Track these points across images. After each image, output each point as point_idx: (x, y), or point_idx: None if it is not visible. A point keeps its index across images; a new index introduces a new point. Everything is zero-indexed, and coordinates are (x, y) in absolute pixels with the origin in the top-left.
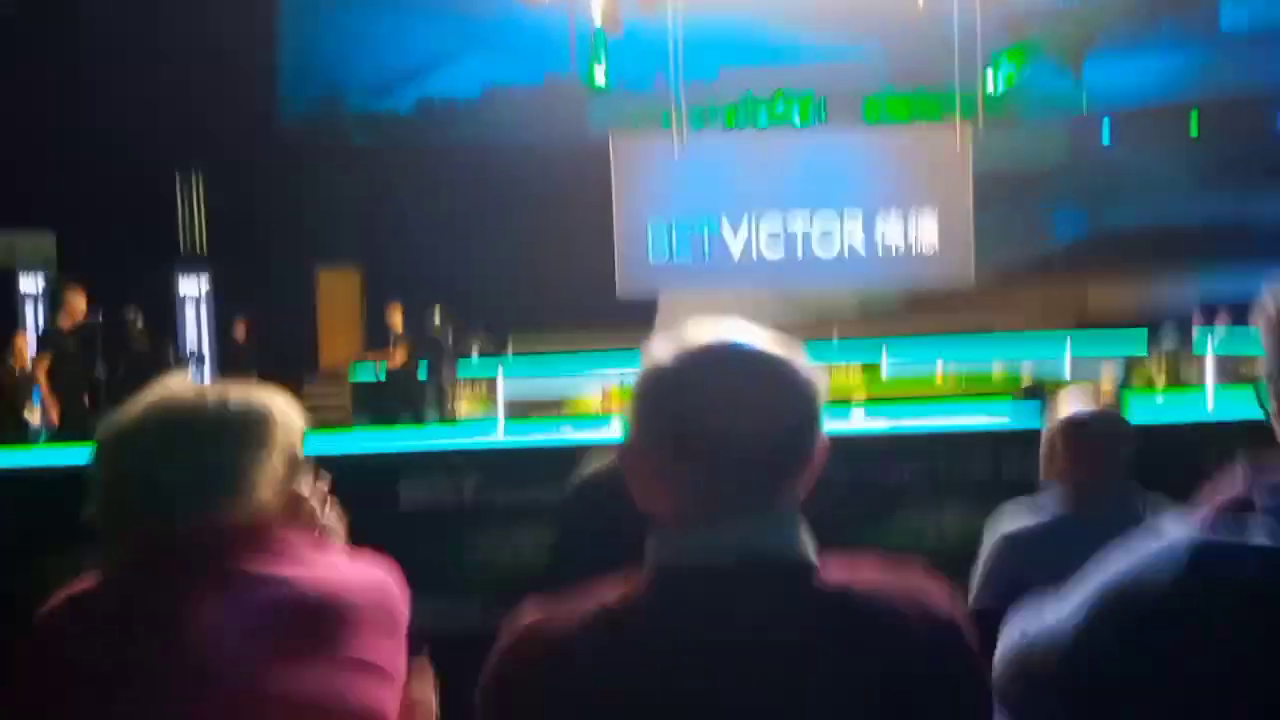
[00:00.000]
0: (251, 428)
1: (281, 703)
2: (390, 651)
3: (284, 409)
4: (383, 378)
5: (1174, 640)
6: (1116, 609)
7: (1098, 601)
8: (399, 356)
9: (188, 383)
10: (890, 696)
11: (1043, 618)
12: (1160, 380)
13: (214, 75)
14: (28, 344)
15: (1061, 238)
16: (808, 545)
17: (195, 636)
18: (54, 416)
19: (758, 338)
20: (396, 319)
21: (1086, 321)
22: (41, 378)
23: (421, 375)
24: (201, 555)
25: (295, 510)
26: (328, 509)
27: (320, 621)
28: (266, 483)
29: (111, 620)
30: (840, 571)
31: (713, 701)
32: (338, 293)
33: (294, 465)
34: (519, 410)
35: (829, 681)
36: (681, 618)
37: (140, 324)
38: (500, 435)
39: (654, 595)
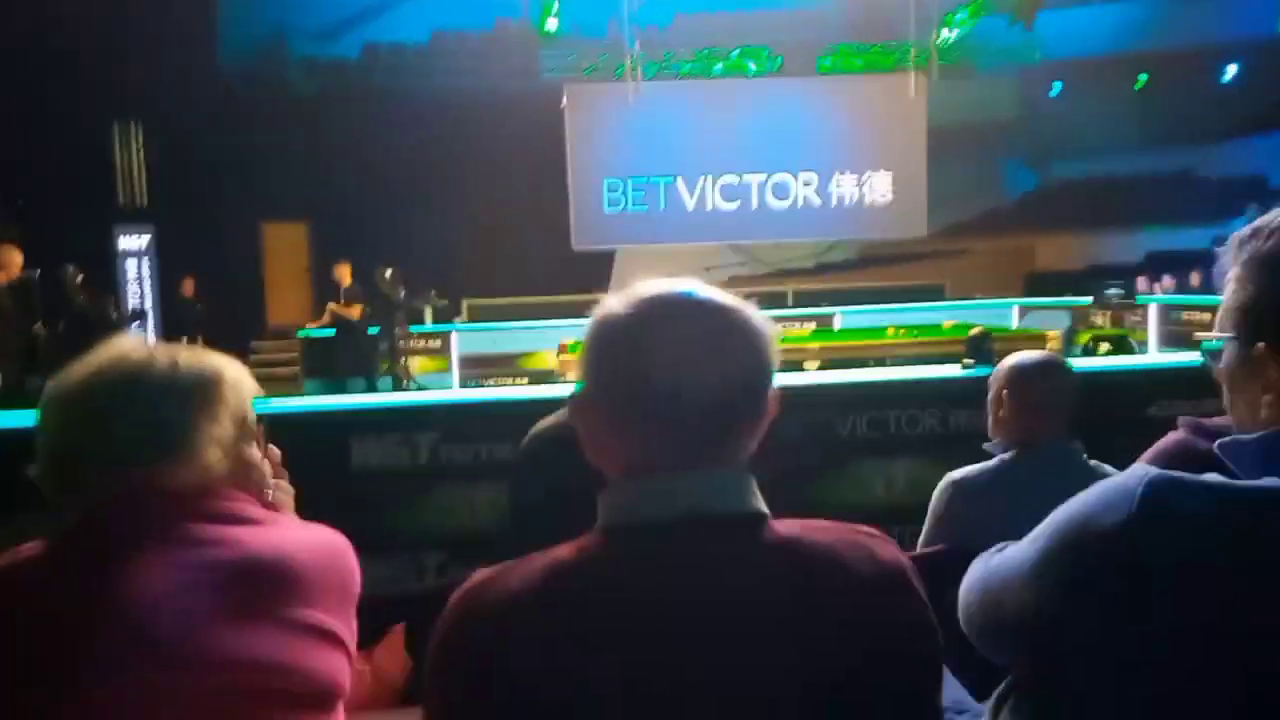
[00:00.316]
0: (201, 388)
1: (228, 665)
2: (341, 617)
3: (235, 372)
4: (331, 337)
5: (1127, 575)
6: (1070, 543)
7: (1054, 534)
8: (349, 314)
9: (139, 342)
10: (841, 644)
11: (1004, 554)
12: (1105, 333)
13: (151, 20)
14: None
15: (1011, 191)
16: (757, 498)
17: (138, 597)
18: None
19: (708, 290)
20: (345, 275)
21: (1034, 273)
22: None
23: (372, 332)
24: (146, 514)
25: (244, 475)
26: (278, 478)
27: (267, 583)
28: (215, 444)
29: (53, 583)
30: (788, 525)
31: (665, 654)
32: (284, 247)
33: (244, 429)
34: (473, 367)
35: (779, 632)
36: (632, 572)
37: (79, 280)
38: (454, 392)
39: (604, 551)
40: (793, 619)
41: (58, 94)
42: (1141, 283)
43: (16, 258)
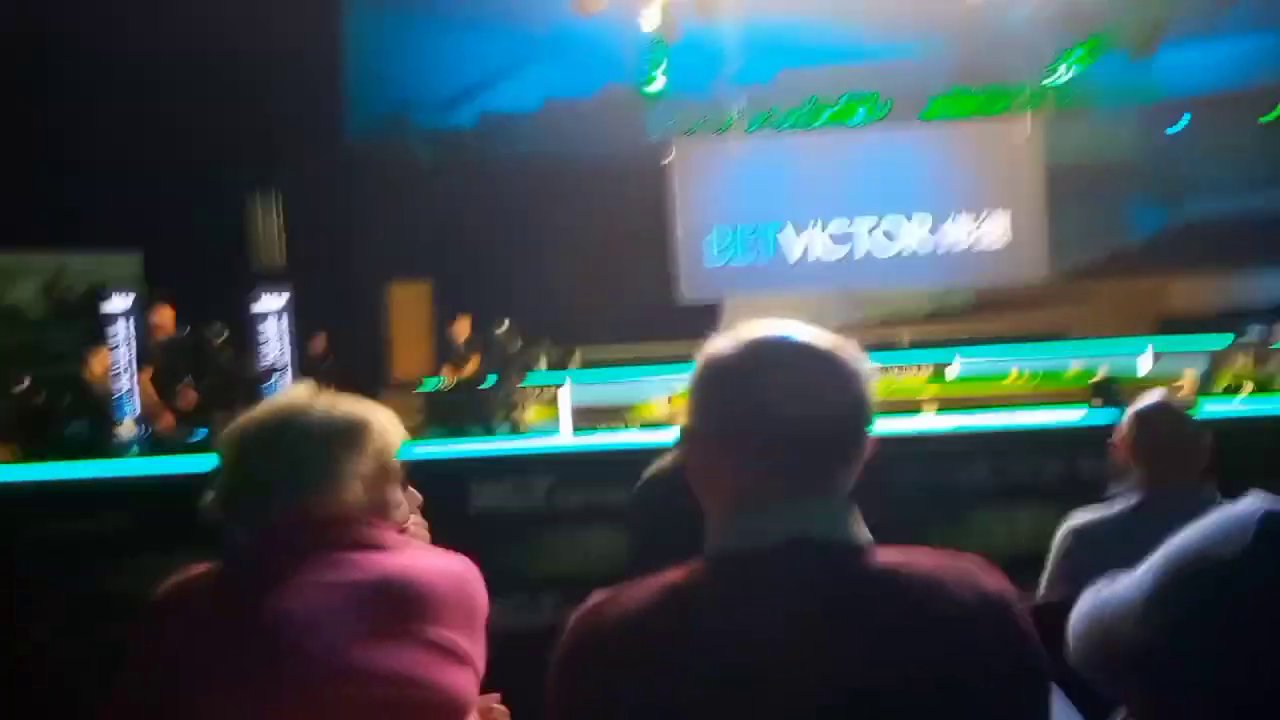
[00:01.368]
0: (349, 429)
1: (365, 678)
2: (469, 636)
3: (383, 418)
4: (451, 389)
5: (1241, 606)
6: (1185, 575)
7: (1167, 568)
8: (468, 368)
9: (307, 390)
10: (943, 672)
11: (1114, 587)
12: (1245, 376)
13: (288, 98)
14: (110, 360)
15: (1139, 232)
16: (860, 527)
17: (289, 615)
18: (163, 423)
19: (810, 332)
20: (463, 330)
21: (1166, 317)
22: (145, 389)
23: (489, 385)
24: (298, 540)
25: (385, 511)
26: (415, 517)
27: (403, 602)
28: (358, 481)
29: (211, 601)
30: (891, 553)
31: (766, 678)
32: (408, 306)
33: (386, 469)
34: (585, 418)
35: (880, 656)
36: (738, 594)
37: (222, 339)
38: (570, 439)
39: (712, 574)
40: (894, 644)
41: (202, 165)
42: None
43: (169, 318)
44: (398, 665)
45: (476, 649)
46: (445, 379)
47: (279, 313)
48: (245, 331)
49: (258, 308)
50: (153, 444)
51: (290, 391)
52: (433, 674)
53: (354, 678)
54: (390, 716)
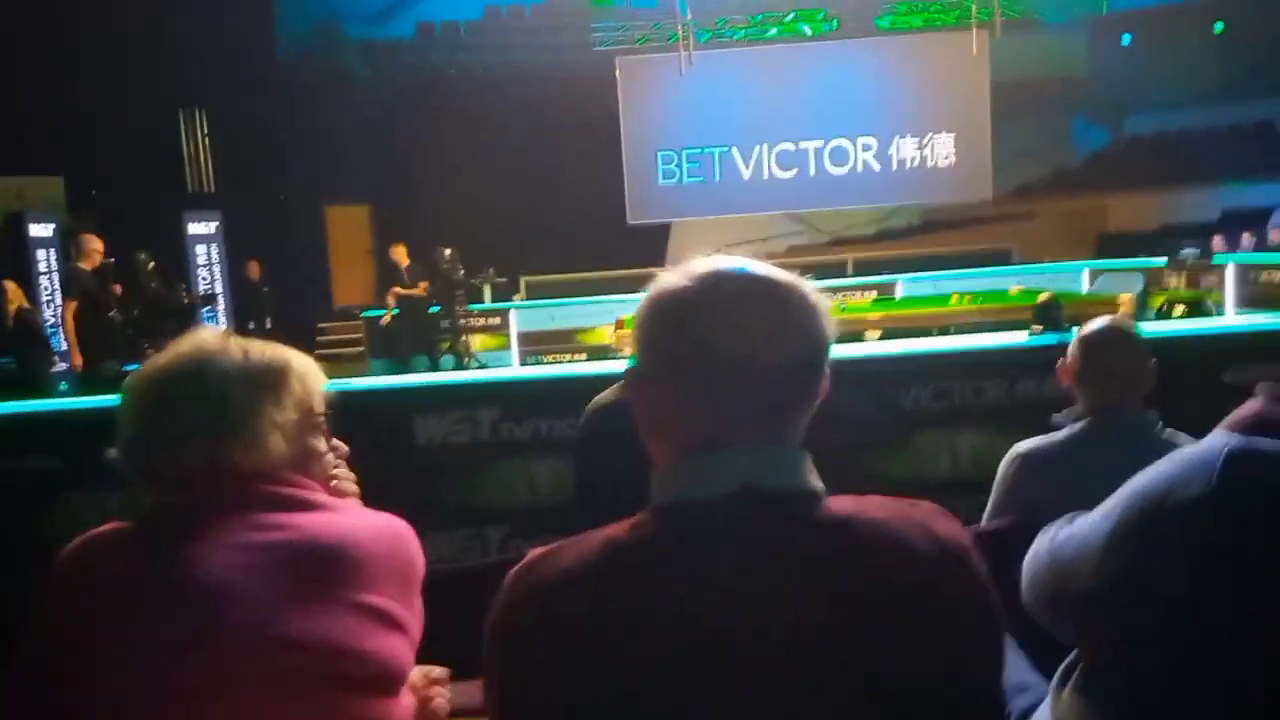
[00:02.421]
0: (269, 376)
1: (292, 646)
2: (403, 601)
3: (303, 364)
4: (394, 317)
5: (1204, 549)
6: (1147, 517)
7: (1128, 510)
8: (414, 294)
9: (217, 333)
10: (898, 623)
11: (1072, 527)
12: (1179, 297)
13: (211, 10)
14: (28, 291)
15: (1082, 150)
16: (813, 475)
17: (205, 578)
18: (77, 361)
19: (766, 268)
20: (402, 256)
21: (1106, 237)
22: (69, 322)
23: (433, 311)
24: (213, 498)
25: (308, 463)
26: (342, 469)
27: (329, 566)
28: (278, 430)
29: (125, 561)
30: (844, 502)
31: (717, 628)
32: (347, 229)
33: (309, 419)
34: (532, 344)
35: (833, 609)
36: (686, 547)
37: (151, 267)
38: (514, 369)
39: (658, 528)
40: (847, 596)
41: (123, 85)
42: (1217, 242)
43: (98, 245)
44: (327, 633)
45: (412, 614)
46: (388, 306)
47: (211, 238)
48: (176, 258)
49: (190, 232)
50: (79, 380)
51: (200, 334)
52: (365, 641)
53: (280, 647)
54: (320, 687)
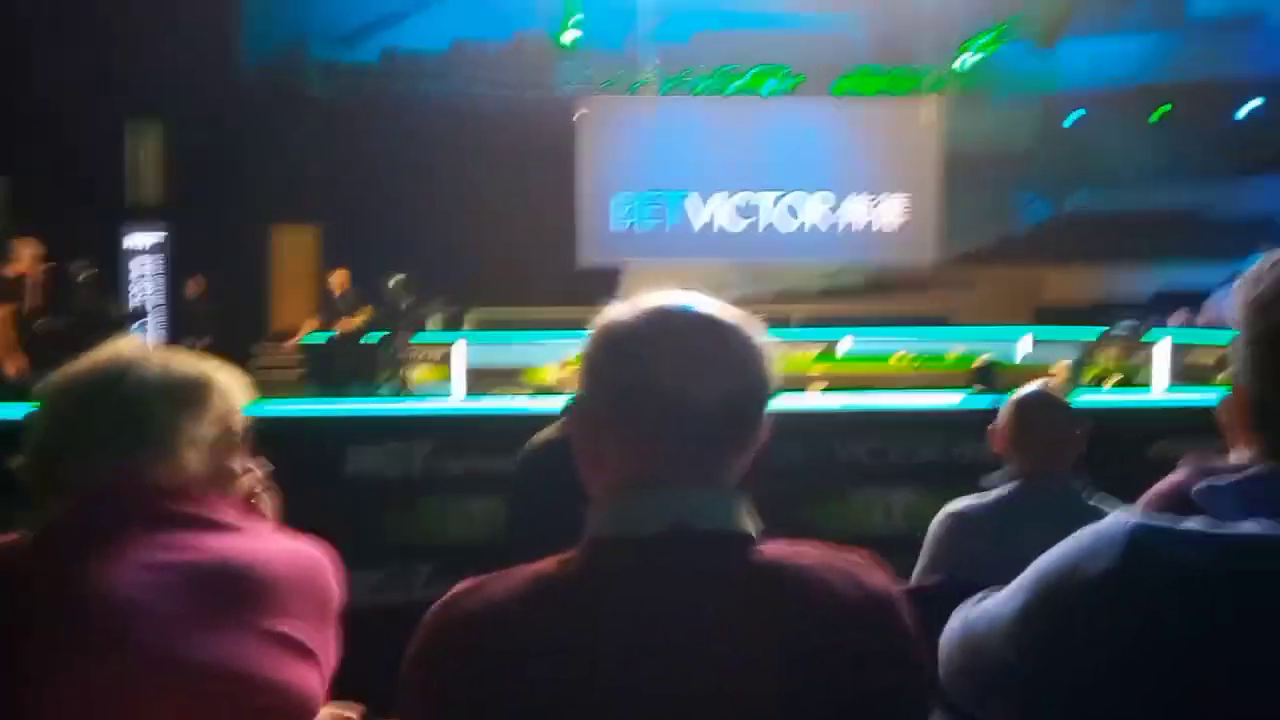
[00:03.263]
0: (187, 390)
1: (197, 672)
2: (316, 631)
3: (226, 380)
4: (335, 343)
5: (1110, 624)
6: (1052, 593)
7: (1036, 586)
8: (354, 321)
9: (137, 343)
10: (822, 670)
11: (984, 604)
12: (1113, 368)
13: (170, 19)
14: None
15: (1025, 221)
16: (745, 518)
17: (109, 595)
18: (14, 366)
19: (714, 305)
20: (341, 281)
21: (1044, 307)
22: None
23: (373, 340)
24: (122, 510)
25: (226, 482)
26: (261, 490)
27: (241, 589)
28: (194, 446)
29: (24, 575)
30: (776, 547)
31: (642, 669)
32: (294, 251)
33: (228, 436)
34: (475, 379)
35: (758, 653)
36: (614, 586)
37: (83, 277)
38: (455, 402)
39: (587, 564)
40: (773, 641)
41: (76, 89)
42: (1176, 317)
43: (30, 250)
44: (235, 659)
45: (326, 645)
46: (335, 332)
47: (152, 251)
48: (114, 270)
49: (129, 244)
50: (3, 388)
51: (119, 344)
52: (274, 670)
53: (185, 672)
54: (226, 715)
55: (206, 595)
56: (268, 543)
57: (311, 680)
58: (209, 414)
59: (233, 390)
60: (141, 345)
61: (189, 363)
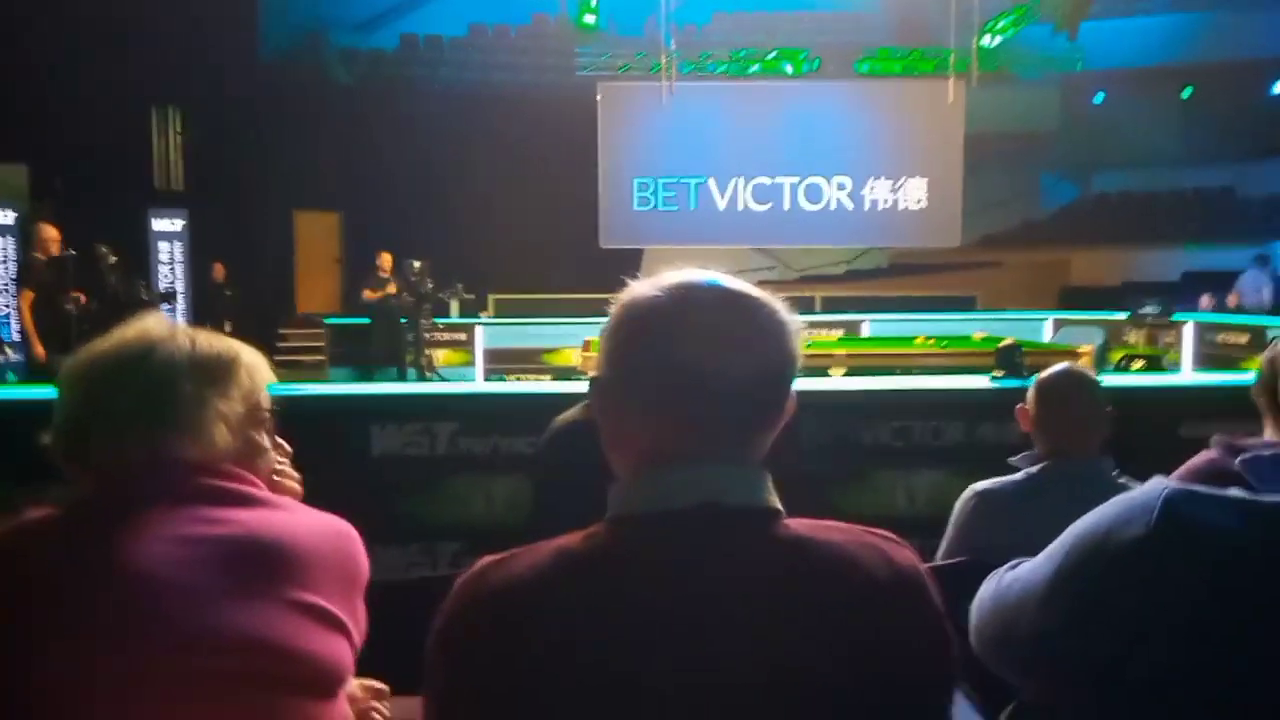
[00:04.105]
0: (214, 367)
1: (230, 644)
2: (345, 602)
3: (252, 357)
4: (367, 322)
5: (1146, 587)
6: (1087, 559)
7: (1069, 552)
8: (382, 294)
9: (164, 321)
10: (849, 646)
11: (1017, 571)
12: (1138, 351)
13: (194, 7)
14: None
15: (1049, 203)
16: (771, 494)
17: (141, 570)
18: (38, 351)
19: (737, 282)
20: (387, 264)
21: (1069, 288)
22: (25, 312)
23: (401, 324)
24: (153, 485)
25: (251, 458)
26: (285, 467)
27: (271, 561)
28: (223, 422)
29: (58, 549)
30: (802, 524)
31: (668, 644)
32: (316, 236)
33: (255, 413)
34: (497, 361)
35: (785, 628)
36: (639, 561)
37: (112, 261)
38: (479, 384)
39: (612, 539)
40: (800, 616)
41: (99, 77)
42: (1204, 301)
43: (53, 235)
44: (265, 630)
45: (354, 617)
46: (366, 308)
47: (176, 236)
48: (139, 254)
49: (156, 228)
50: (31, 370)
51: (146, 321)
52: (304, 641)
53: (217, 644)
54: (259, 686)
55: (236, 568)
56: (296, 516)
57: (341, 650)
58: (236, 391)
59: (259, 368)
60: (168, 323)
61: (216, 340)
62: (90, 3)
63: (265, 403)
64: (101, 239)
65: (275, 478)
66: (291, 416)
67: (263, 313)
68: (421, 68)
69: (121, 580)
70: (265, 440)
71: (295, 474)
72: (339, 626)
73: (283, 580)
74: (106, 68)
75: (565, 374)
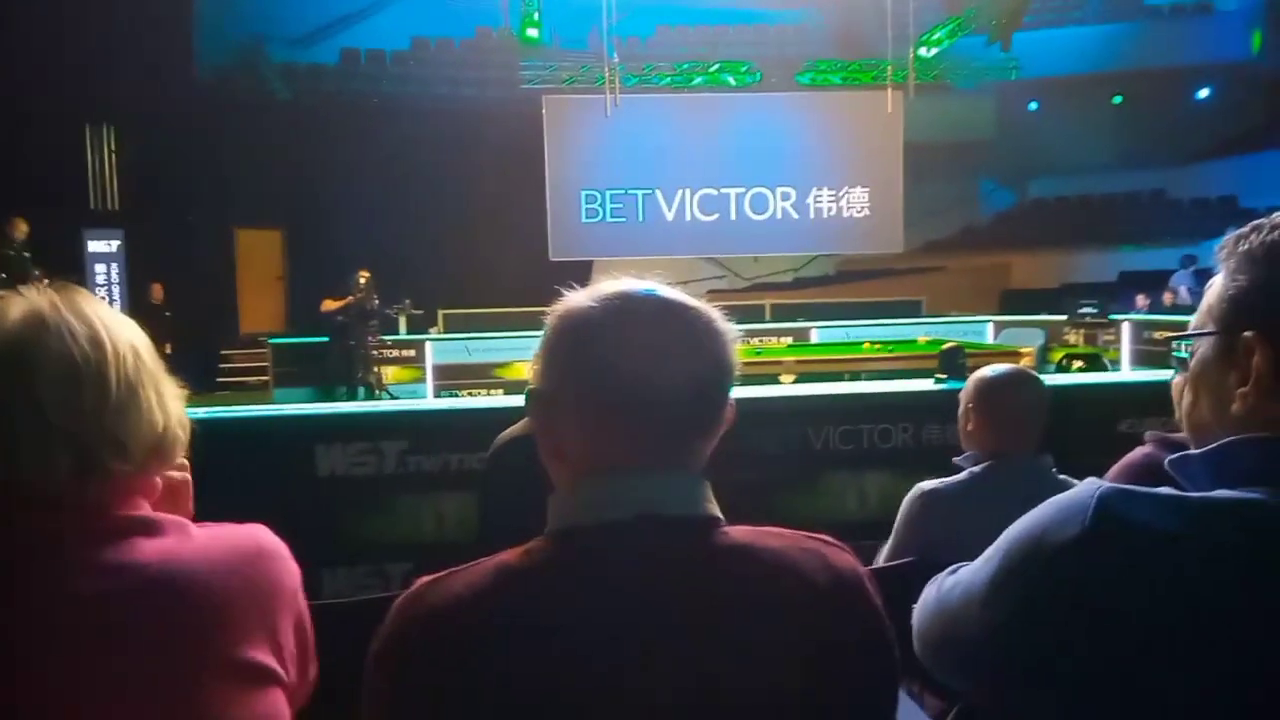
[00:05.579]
0: (103, 382)
1: (139, 715)
2: (268, 639)
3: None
4: (325, 341)
5: (1082, 587)
6: (1023, 560)
7: (1009, 552)
8: (338, 304)
9: (35, 313)
10: (792, 652)
11: (958, 575)
12: (1077, 351)
13: (128, 23)
14: None
15: (987, 208)
16: (711, 503)
17: (44, 620)
18: None
19: (672, 291)
20: (363, 280)
21: (1009, 292)
22: None
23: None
24: (47, 527)
25: (155, 478)
26: (183, 484)
27: (189, 612)
28: (122, 444)
29: None
30: (742, 531)
31: (610, 658)
32: (258, 254)
33: (158, 434)
34: (448, 377)
35: (728, 637)
36: (579, 575)
37: (46, 284)
38: (429, 402)
39: (551, 554)
40: (742, 624)
41: (30, 95)
42: (1140, 300)
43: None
44: (180, 703)
45: (281, 653)
46: (332, 319)
47: (113, 256)
48: (76, 276)
49: (89, 250)
50: None
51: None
52: (232, 706)
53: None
54: None
55: (153, 621)
56: (208, 545)
57: (276, 702)
58: (136, 408)
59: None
60: (40, 318)
61: (108, 355)
62: (20, 17)
63: (171, 422)
64: (36, 261)
65: (174, 495)
66: (235, 438)
67: (204, 334)
68: (363, 82)
69: (25, 630)
70: (167, 460)
71: (188, 481)
72: (268, 677)
73: (208, 635)
74: (37, 84)
75: (518, 388)
